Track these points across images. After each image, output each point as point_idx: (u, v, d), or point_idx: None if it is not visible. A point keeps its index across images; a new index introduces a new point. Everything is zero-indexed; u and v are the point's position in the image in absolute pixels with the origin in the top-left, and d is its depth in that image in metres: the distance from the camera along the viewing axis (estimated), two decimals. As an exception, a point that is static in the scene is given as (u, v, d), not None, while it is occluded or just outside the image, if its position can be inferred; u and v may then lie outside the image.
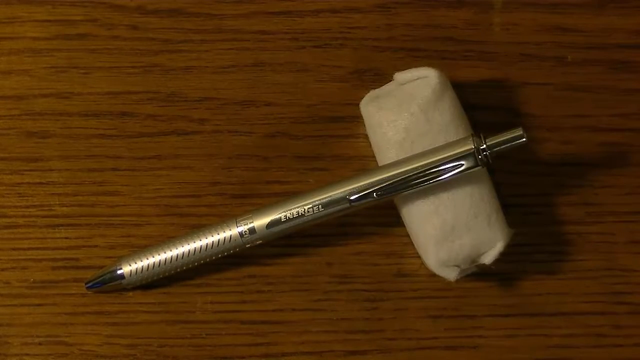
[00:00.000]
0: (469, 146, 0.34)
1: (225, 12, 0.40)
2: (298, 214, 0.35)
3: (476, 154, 0.34)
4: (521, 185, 0.39)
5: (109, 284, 0.36)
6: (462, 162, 0.34)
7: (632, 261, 0.38)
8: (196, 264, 0.36)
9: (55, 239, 0.37)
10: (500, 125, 0.35)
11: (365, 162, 0.39)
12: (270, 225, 0.35)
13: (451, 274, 0.35)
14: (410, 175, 0.34)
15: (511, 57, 0.40)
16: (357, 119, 0.39)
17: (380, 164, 0.37)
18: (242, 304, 0.37)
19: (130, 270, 0.36)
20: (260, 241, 0.36)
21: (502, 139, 0.34)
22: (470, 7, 0.41)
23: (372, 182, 0.35)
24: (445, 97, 0.36)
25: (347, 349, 0.37)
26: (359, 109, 0.38)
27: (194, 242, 0.36)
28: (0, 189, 0.38)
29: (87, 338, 0.36)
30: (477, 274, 0.37)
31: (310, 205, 0.35)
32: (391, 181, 0.35)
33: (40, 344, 0.36)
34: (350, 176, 0.36)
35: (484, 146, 0.34)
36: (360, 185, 0.35)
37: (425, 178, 0.34)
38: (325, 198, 0.35)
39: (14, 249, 0.37)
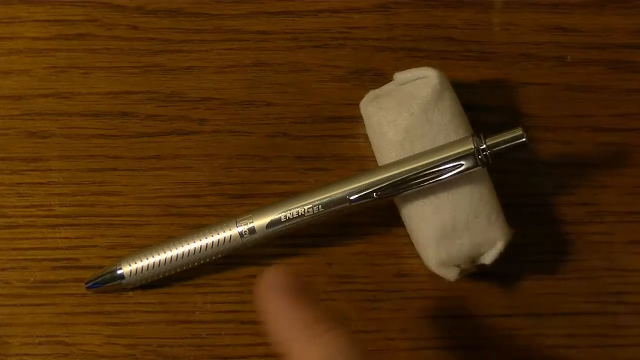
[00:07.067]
0: (469, 146, 0.34)
1: (225, 12, 0.40)
2: (298, 214, 0.35)
3: (476, 154, 0.34)
4: (521, 185, 0.39)
5: (109, 284, 0.36)
6: (462, 162, 0.34)
7: (632, 261, 0.38)
8: (196, 264, 0.36)
9: (55, 239, 0.37)
10: (500, 125, 0.35)
11: (365, 162, 0.39)
12: (270, 225, 0.35)
13: (451, 274, 0.35)
14: (410, 175, 0.34)
15: (511, 57, 0.40)
16: (357, 119, 0.39)
17: (380, 164, 0.37)
18: (242, 304, 0.37)
19: (130, 270, 0.36)
20: (260, 241, 0.36)
21: (502, 139, 0.34)
22: (470, 7, 0.41)
23: (372, 182, 0.35)
24: (445, 97, 0.36)
25: (347, 349, 0.37)
26: (359, 109, 0.38)
27: (194, 242, 0.36)
28: (0, 189, 0.38)
29: (87, 338, 0.36)
30: (477, 274, 0.37)
31: (310, 205, 0.35)
32: (391, 181, 0.35)
33: (40, 344, 0.36)
34: (350, 176, 0.36)
35: (484, 146, 0.34)
36: (360, 185, 0.35)
37: (425, 178, 0.34)
38: (325, 198, 0.35)
39: (14, 249, 0.37)
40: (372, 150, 0.38)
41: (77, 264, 0.37)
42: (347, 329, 0.27)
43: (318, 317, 0.28)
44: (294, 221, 0.35)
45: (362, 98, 0.38)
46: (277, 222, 0.35)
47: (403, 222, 0.37)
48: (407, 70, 0.37)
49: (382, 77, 0.40)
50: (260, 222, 0.35)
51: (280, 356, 0.28)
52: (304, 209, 0.35)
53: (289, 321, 0.28)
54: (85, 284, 0.37)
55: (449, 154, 0.34)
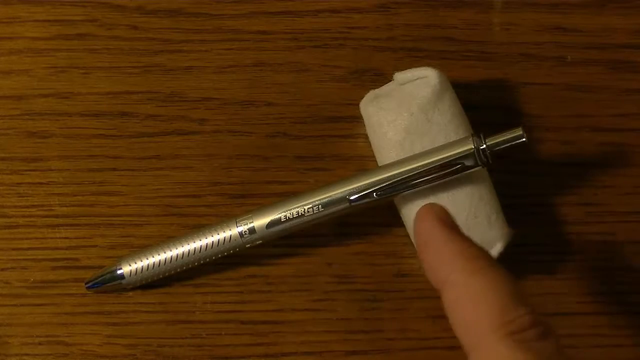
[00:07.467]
0: (469, 146, 0.34)
1: (225, 12, 0.40)
2: (298, 214, 0.35)
3: (476, 154, 0.34)
4: (521, 185, 0.39)
5: (109, 284, 0.36)
6: (462, 162, 0.34)
7: (632, 261, 0.38)
8: (196, 264, 0.36)
9: (55, 239, 0.37)
10: (500, 125, 0.35)
11: (365, 162, 0.39)
12: (270, 225, 0.35)
13: (451, 274, 0.35)
14: (410, 175, 0.34)
15: (511, 57, 0.40)
16: (357, 119, 0.39)
17: (380, 164, 0.37)
18: (242, 304, 0.37)
19: (130, 270, 0.36)
20: (260, 241, 0.36)
21: (502, 139, 0.34)
22: (470, 7, 0.41)
23: (372, 182, 0.35)
24: (445, 97, 0.36)
25: (347, 349, 0.37)
26: (359, 109, 0.38)
27: (194, 242, 0.36)
28: (0, 189, 0.38)
29: (87, 338, 0.36)
30: (477, 274, 0.37)
31: (310, 205, 0.35)
32: (391, 181, 0.35)
33: (40, 344, 0.36)
34: (350, 176, 0.36)
35: (484, 146, 0.34)
36: (360, 185, 0.35)
37: (426, 178, 0.34)
38: (325, 198, 0.35)
39: (14, 249, 0.37)
40: (372, 150, 0.38)
41: (77, 264, 0.37)
42: (505, 269, 0.28)
43: (478, 253, 0.28)
44: (294, 221, 0.35)
45: (362, 98, 0.38)
46: (277, 222, 0.35)
47: (403, 222, 0.37)
48: (407, 70, 0.37)
49: (382, 77, 0.40)
50: (260, 222, 0.35)
51: (435, 285, 0.28)
52: (304, 209, 0.35)
53: (450, 253, 0.28)
54: (85, 284, 0.37)
55: (449, 153, 0.34)
